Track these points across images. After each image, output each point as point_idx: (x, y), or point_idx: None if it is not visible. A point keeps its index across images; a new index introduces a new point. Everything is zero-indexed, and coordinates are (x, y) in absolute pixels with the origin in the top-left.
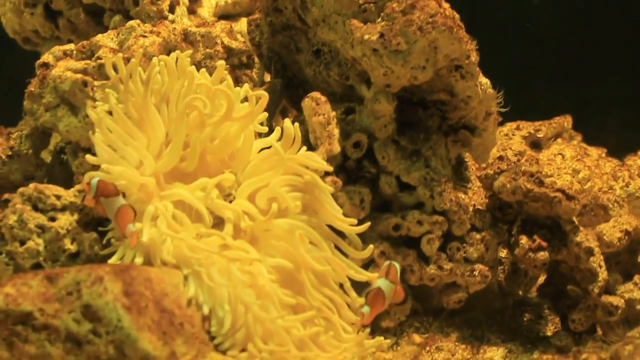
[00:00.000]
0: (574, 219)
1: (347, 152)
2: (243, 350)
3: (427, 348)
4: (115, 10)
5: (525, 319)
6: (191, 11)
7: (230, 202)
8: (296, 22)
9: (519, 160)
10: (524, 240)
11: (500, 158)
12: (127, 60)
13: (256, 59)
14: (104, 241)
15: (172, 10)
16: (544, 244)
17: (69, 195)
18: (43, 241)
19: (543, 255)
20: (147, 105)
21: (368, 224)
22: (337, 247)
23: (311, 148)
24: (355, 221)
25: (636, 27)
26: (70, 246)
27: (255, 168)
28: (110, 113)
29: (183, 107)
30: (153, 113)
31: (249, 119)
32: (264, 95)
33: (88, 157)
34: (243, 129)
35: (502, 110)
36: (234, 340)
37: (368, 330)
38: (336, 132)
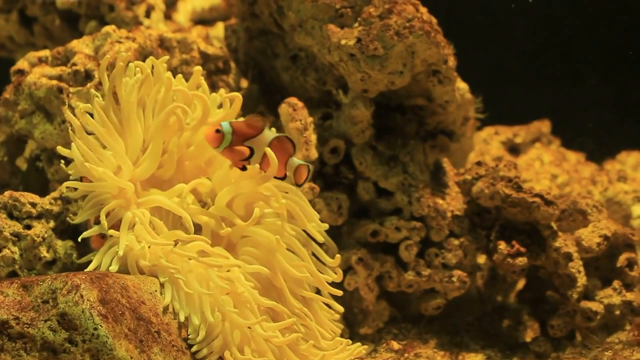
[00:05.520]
0: (553, 224)
1: (325, 158)
2: (220, 358)
3: (406, 355)
4: (91, 16)
5: (504, 325)
6: (167, 17)
7: (207, 209)
8: (273, 28)
9: (497, 166)
10: (502, 245)
11: (479, 163)
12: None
13: (232, 65)
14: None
15: (148, 15)
16: (523, 249)
17: (44, 203)
18: (18, 249)
19: (521, 260)
20: (130, 111)
21: None
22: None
23: None
24: (327, 226)
25: (613, 29)
26: (46, 254)
27: (225, 176)
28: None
29: (164, 115)
30: (133, 120)
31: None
32: (237, 97)
33: (61, 149)
34: None
35: (480, 116)
36: (210, 348)
37: (349, 340)
38: (313, 138)
